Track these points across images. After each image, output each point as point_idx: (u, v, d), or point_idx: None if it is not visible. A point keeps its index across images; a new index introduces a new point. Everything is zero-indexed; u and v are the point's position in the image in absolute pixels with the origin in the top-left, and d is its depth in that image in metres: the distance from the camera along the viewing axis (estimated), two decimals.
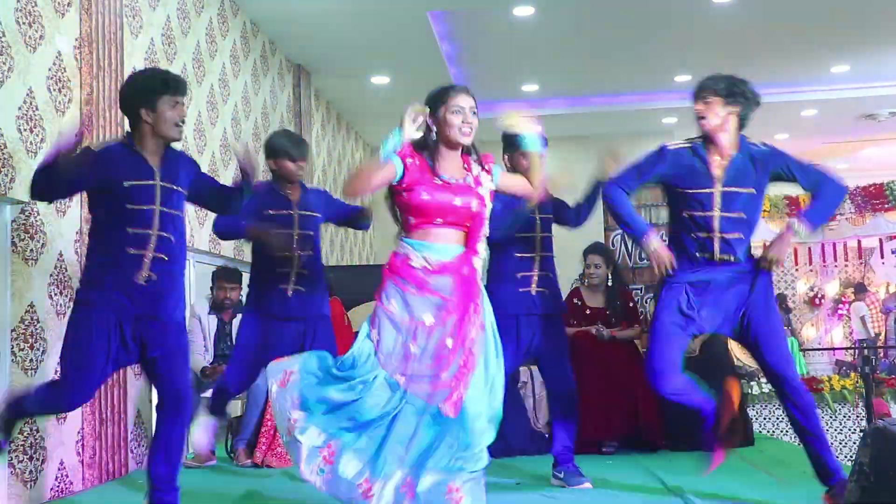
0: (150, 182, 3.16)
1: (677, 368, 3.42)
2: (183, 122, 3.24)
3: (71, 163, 3.06)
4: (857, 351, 10.65)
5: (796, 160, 3.50)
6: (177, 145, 3.45)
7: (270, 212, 4.17)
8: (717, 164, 3.42)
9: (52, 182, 3.13)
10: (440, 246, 2.87)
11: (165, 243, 3.16)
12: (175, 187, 3.24)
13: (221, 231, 4.31)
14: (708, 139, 3.44)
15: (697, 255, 3.41)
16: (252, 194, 3.62)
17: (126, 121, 3.35)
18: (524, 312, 3.99)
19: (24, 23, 4.34)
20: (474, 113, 2.93)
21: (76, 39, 4.81)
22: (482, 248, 2.92)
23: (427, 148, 2.95)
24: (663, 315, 3.43)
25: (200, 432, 4.29)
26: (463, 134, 2.89)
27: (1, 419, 3.28)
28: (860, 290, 11.13)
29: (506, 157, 4.03)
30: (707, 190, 3.39)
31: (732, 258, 3.40)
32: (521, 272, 4.00)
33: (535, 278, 4.00)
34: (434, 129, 2.93)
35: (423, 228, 2.88)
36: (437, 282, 2.84)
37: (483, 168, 2.97)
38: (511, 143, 3.81)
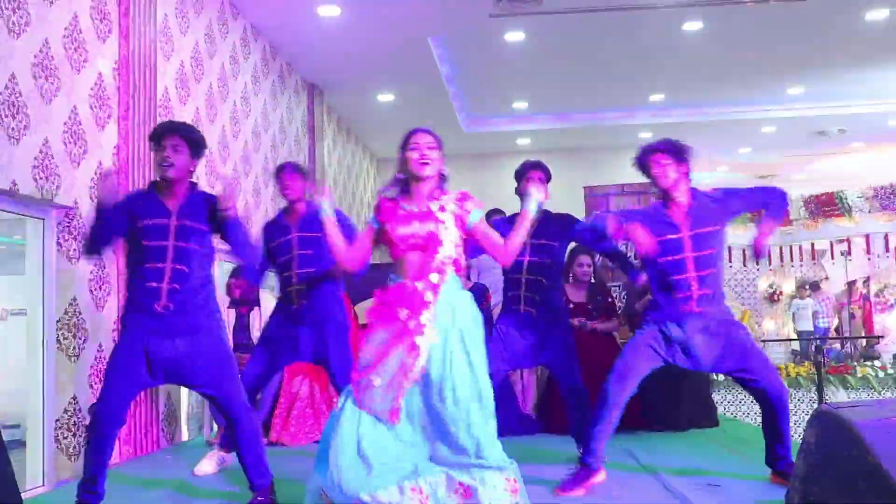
0: (165, 221, 3.09)
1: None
2: (167, 162, 3.09)
3: (108, 210, 3.07)
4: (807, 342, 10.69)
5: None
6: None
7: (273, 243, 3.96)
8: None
9: (93, 234, 3.14)
10: (407, 270, 2.83)
11: (180, 275, 3.08)
12: (191, 224, 3.13)
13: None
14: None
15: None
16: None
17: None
18: (517, 327, 3.96)
19: (70, 48, 4.37)
20: (430, 147, 2.86)
21: (115, 62, 4.84)
22: (448, 268, 2.80)
23: (399, 188, 2.94)
24: None
25: (206, 465, 3.94)
26: (420, 166, 2.84)
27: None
28: (814, 287, 11.17)
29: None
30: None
31: None
32: (510, 291, 3.98)
33: (523, 298, 3.92)
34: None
35: (399, 257, 2.87)
36: (394, 300, 2.80)
37: (457, 200, 2.88)
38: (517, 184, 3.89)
